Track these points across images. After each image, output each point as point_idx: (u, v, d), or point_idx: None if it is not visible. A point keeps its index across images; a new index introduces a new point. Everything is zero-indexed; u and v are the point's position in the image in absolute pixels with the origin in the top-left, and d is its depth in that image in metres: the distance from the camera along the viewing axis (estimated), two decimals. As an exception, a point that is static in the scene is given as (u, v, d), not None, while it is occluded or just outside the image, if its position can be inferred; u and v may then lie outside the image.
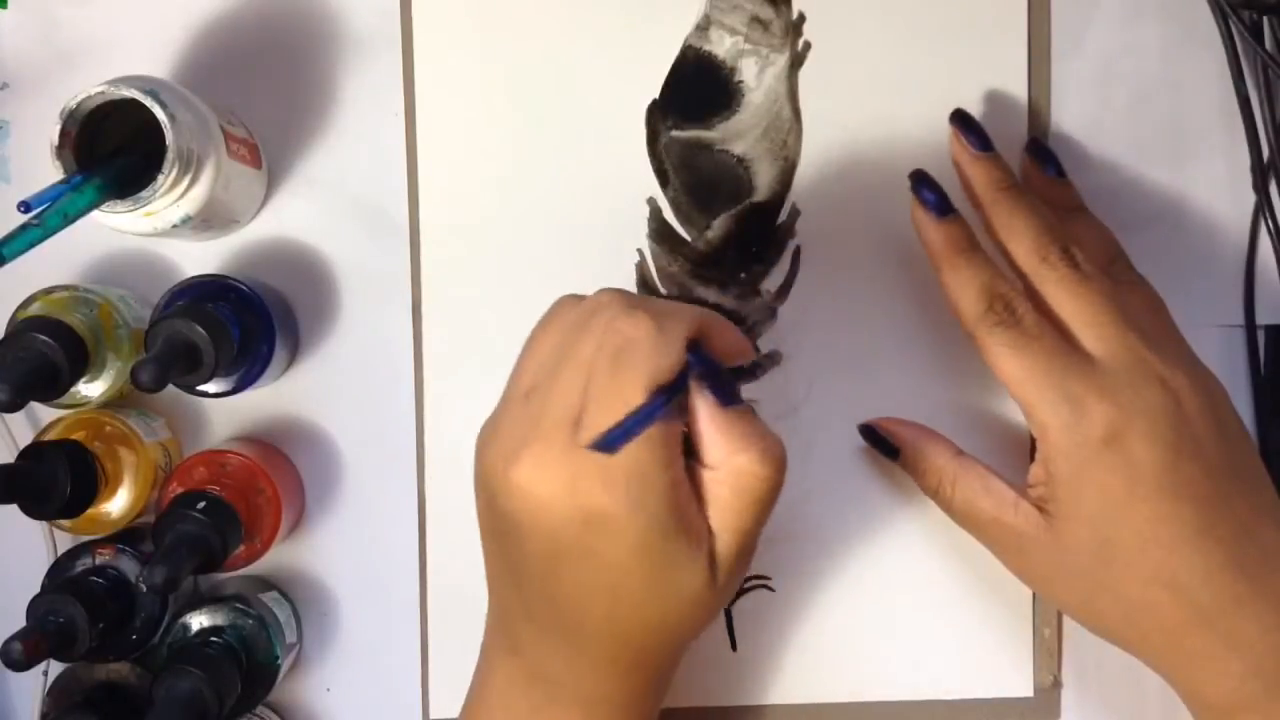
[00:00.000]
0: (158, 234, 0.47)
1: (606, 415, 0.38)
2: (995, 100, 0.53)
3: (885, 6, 0.53)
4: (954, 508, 0.48)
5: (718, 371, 0.41)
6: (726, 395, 0.40)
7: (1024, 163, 0.52)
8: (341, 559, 0.54)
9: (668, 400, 0.39)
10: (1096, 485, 0.44)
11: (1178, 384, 0.44)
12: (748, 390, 0.53)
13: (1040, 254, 0.46)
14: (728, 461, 0.40)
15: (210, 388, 0.50)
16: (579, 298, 0.43)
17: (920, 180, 0.49)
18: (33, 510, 0.47)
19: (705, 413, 0.40)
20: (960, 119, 0.50)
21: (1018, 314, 0.45)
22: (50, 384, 0.46)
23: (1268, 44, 0.52)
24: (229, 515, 0.48)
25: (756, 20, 0.53)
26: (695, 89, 0.53)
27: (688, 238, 0.53)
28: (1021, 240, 0.47)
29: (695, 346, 0.41)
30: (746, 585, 0.53)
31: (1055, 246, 0.46)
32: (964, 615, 0.53)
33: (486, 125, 0.53)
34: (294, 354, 0.53)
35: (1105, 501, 0.44)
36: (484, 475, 0.41)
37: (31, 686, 0.52)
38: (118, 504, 0.50)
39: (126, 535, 0.51)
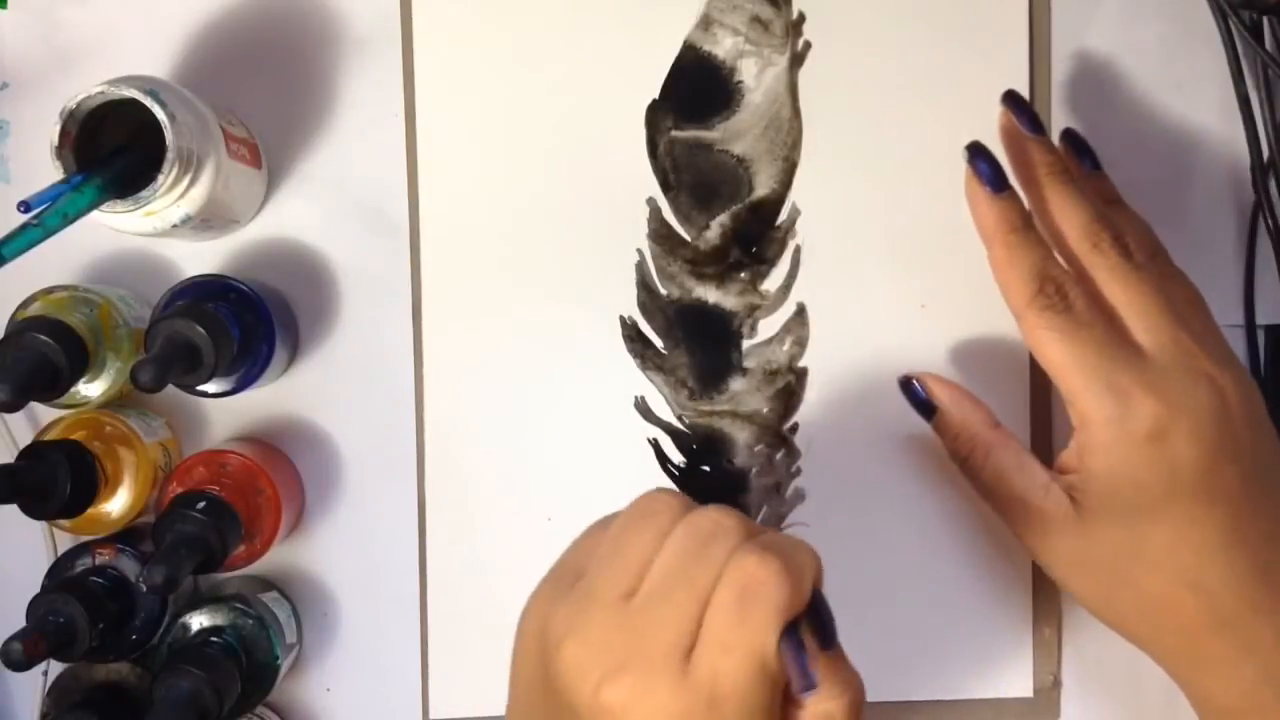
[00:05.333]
0: (158, 234, 0.47)
1: (728, 658, 0.36)
2: (995, 100, 0.53)
3: (885, 6, 0.53)
4: (981, 479, 0.47)
5: (827, 613, 0.38)
6: (831, 638, 0.38)
7: None
8: (341, 559, 0.54)
9: (796, 637, 0.37)
10: (1134, 481, 0.43)
11: (1224, 383, 0.43)
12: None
13: (1092, 240, 0.45)
14: (817, 705, 0.37)
15: (210, 388, 0.50)
16: (678, 499, 0.39)
17: (976, 152, 0.47)
18: (33, 510, 0.47)
19: (810, 655, 0.37)
20: (1013, 100, 0.49)
21: (1069, 299, 0.44)
22: (50, 384, 0.46)
23: (1268, 44, 0.52)
24: (229, 515, 0.48)
25: (757, 20, 0.53)
26: (695, 89, 0.53)
27: (687, 237, 0.53)
28: (1074, 226, 0.46)
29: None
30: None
31: (1108, 233, 0.45)
32: (964, 615, 0.53)
33: (486, 125, 0.53)
34: (294, 354, 0.53)
35: (1140, 498, 0.43)
36: (565, 679, 0.37)
37: (31, 686, 0.52)
38: (118, 504, 0.50)
39: (126, 535, 0.51)
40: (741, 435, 0.53)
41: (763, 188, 0.53)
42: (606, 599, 0.37)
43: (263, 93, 0.53)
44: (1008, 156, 0.48)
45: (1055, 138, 0.53)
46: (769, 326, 0.53)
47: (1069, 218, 0.46)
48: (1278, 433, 0.45)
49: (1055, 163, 0.47)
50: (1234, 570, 0.43)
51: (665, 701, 0.36)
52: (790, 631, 0.37)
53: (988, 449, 0.47)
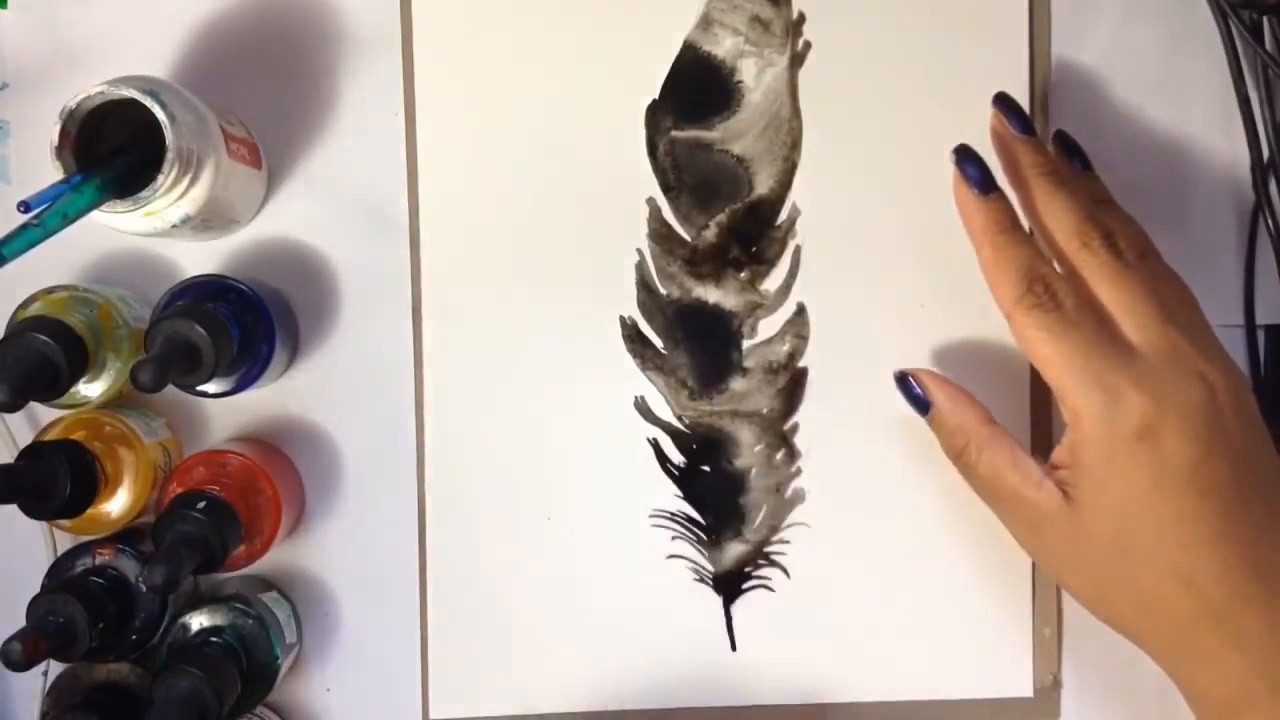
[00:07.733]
0: (158, 234, 0.47)
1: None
2: (995, 100, 0.53)
3: (885, 6, 0.53)
4: (977, 474, 0.47)
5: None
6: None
7: None
8: (341, 559, 0.54)
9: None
10: (1123, 477, 0.43)
11: (1214, 379, 0.44)
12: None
13: (1082, 239, 0.46)
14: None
15: (210, 388, 0.50)
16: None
17: (963, 155, 0.48)
18: (33, 510, 0.47)
19: None
20: (1003, 101, 0.49)
21: (1058, 298, 0.44)
22: (50, 384, 0.46)
23: (1268, 44, 0.52)
24: (229, 515, 0.48)
25: (757, 20, 0.53)
26: (695, 89, 0.53)
27: (687, 237, 0.53)
28: (1062, 224, 0.46)
29: None
30: (745, 585, 0.53)
31: (1097, 232, 0.46)
32: (964, 615, 0.53)
33: (486, 125, 0.53)
34: (294, 354, 0.53)
35: (1130, 493, 0.43)
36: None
37: (31, 686, 0.52)
38: (118, 504, 0.50)
39: (126, 535, 0.51)
40: (742, 435, 0.53)
41: (763, 188, 0.53)
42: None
43: (263, 93, 0.53)
44: (998, 158, 0.49)
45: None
46: (769, 326, 0.53)
47: (1059, 218, 0.46)
48: (1268, 428, 0.46)
49: (1045, 163, 0.48)
50: (1225, 564, 0.43)
51: None
52: None
53: (982, 445, 0.47)
